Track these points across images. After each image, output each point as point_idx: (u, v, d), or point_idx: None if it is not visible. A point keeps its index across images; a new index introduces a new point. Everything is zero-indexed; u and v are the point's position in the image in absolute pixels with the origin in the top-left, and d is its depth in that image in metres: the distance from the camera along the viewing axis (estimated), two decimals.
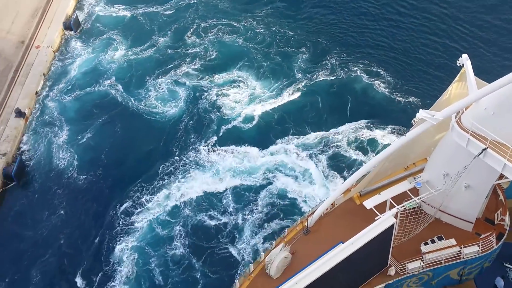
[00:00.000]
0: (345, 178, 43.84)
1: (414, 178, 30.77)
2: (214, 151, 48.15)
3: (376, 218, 28.13)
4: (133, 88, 53.93)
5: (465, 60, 29.78)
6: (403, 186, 30.62)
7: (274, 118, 50.80)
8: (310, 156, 46.82)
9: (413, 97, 50.82)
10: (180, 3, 62.39)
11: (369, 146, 47.35)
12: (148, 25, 60.36)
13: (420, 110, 26.97)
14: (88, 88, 53.87)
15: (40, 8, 61.16)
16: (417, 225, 30.43)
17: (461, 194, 29.84)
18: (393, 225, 28.20)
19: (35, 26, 59.26)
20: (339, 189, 31.64)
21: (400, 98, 51.03)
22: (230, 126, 50.18)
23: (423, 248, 31.14)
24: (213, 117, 50.93)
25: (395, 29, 58.04)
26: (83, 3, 63.40)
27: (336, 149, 47.38)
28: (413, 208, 29.61)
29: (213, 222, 42.93)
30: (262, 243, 41.12)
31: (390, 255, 30.44)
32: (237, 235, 41.99)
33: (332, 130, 49.05)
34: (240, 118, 50.81)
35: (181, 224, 42.86)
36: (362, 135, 48.43)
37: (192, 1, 62.49)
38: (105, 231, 42.88)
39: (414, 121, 27.57)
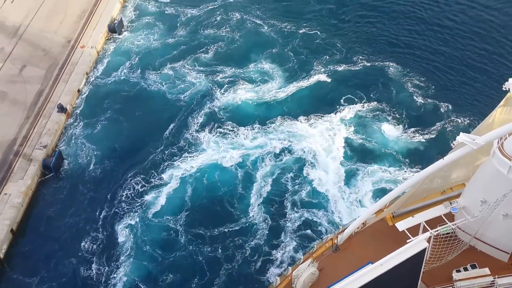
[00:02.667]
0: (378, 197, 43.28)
1: (450, 203, 29.85)
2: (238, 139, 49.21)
3: (408, 241, 27.39)
4: (170, 81, 55.36)
5: (511, 84, 28.91)
6: (438, 211, 29.74)
7: (302, 109, 51.45)
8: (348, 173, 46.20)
9: (453, 114, 49.91)
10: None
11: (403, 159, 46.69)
12: (186, 24, 61.99)
13: (461, 133, 26.20)
14: (126, 87, 55.35)
15: (87, 10, 63.03)
16: (450, 251, 29.44)
17: (498, 223, 28.80)
18: (425, 249, 27.34)
19: (81, 27, 61.05)
20: (372, 208, 31.01)
21: (440, 114, 50.24)
22: (253, 115, 51.35)
23: (455, 276, 30.09)
24: (231, 106, 52.23)
25: (439, 39, 57.51)
26: (128, 7, 65.08)
27: (372, 161, 46.62)
28: (447, 233, 28.67)
29: (231, 223, 43.13)
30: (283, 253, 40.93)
31: (420, 280, 29.56)
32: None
33: (370, 138, 48.59)
34: (264, 108, 51.78)
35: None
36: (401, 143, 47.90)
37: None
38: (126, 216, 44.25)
39: (453, 144, 26.84)
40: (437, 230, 28.14)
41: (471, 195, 29.36)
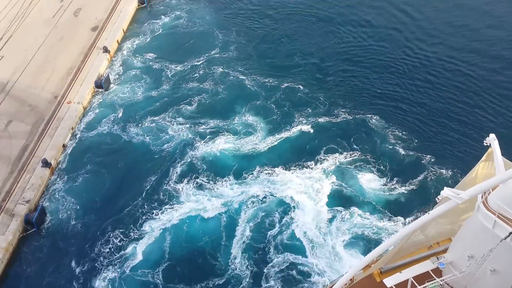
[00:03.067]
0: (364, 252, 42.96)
1: (437, 258, 29.63)
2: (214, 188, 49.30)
3: None
4: (152, 133, 55.93)
5: (492, 140, 29.37)
6: (426, 266, 29.50)
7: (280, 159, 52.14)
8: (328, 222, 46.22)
9: (435, 166, 50.45)
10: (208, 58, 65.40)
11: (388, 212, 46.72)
12: (171, 78, 63.13)
13: (445, 188, 26.35)
14: (111, 141, 55.54)
15: (75, 67, 63.75)
16: None
17: (486, 278, 28.48)
18: None
19: (68, 83, 61.54)
20: (359, 264, 30.63)
21: (422, 165, 50.71)
22: (235, 166, 51.81)
23: None
24: (212, 157, 52.70)
25: (420, 92, 58.66)
26: (115, 64, 66.09)
27: (357, 215, 46.60)
28: None
29: (213, 275, 42.65)
30: None
31: None
32: None
33: (351, 188, 48.91)
34: (246, 159, 52.33)
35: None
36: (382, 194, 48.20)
37: (216, 59, 64.69)
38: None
39: (438, 198, 26.91)
40: (425, 286, 27.81)
41: (458, 250, 29.20)
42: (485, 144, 29.82)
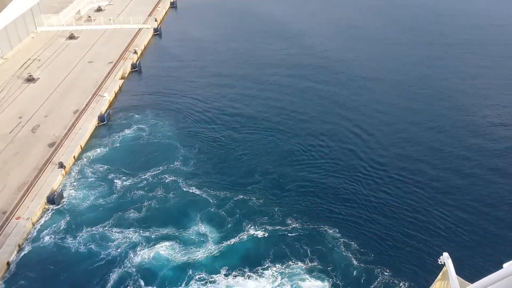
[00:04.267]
0: None
1: None
2: None
3: None
4: (96, 243, 54.13)
5: (446, 258, 29.46)
6: None
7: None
8: None
9: (390, 281, 49.80)
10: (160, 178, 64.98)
11: None
12: (122, 188, 62.55)
13: None
14: (57, 256, 53.48)
15: (28, 182, 62.37)
16: None
17: None
18: None
19: (19, 198, 59.75)
20: None
21: (377, 279, 50.04)
22: (180, 275, 50.54)
23: None
24: (154, 266, 51.43)
25: (375, 208, 59.08)
26: (69, 178, 65.18)
27: None
28: None
29: None
30: None
31: None
32: None
33: None
34: (191, 266, 51.01)
35: None
36: None
37: (168, 179, 64.75)
38: None
39: None
40: None
41: None
42: (439, 263, 29.91)
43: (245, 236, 55.61)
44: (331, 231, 56.45)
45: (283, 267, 51.44)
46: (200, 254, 53.36)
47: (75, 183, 64.48)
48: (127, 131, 75.49)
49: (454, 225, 57.81)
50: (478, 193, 62.85)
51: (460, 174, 66.34)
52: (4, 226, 55.94)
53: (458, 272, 28.83)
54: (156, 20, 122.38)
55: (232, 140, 74.31)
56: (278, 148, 72.36)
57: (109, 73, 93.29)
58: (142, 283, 50.22)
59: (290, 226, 57.11)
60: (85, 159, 69.05)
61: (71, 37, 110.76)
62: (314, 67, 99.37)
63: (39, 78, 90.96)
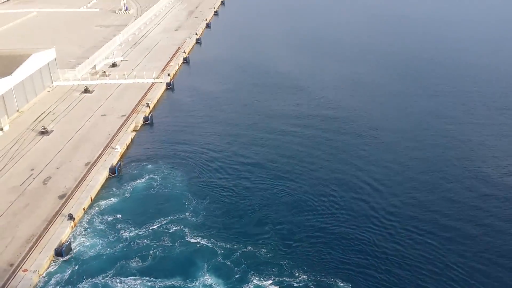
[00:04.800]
0: None
1: None
2: None
3: None
4: None
5: None
6: None
7: None
8: None
9: None
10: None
11: None
12: (130, 239, 62.52)
13: None
14: None
15: (36, 235, 62.18)
16: None
17: None
18: None
19: (27, 251, 59.38)
20: None
21: None
22: None
23: None
24: None
25: (388, 260, 57.66)
26: (78, 230, 64.92)
27: None
28: None
29: None
30: None
31: None
32: None
33: None
34: None
35: None
36: None
37: (173, 228, 64.33)
38: None
39: None
40: None
41: None
42: None
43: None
44: (342, 284, 54.94)
45: None
46: None
47: (83, 234, 64.13)
48: (138, 182, 75.76)
49: (468, 277, 56.04)
50: (492, 244, 61.26)
51: (472, 223, 64.95)
52: (11, 279, 55.29)
53: None
54: (169, 75, 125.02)
55: (243, 189, 73.94)
56: (289, 197, 71.74)
57: (121, 126, 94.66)
58: None
59: (299, 279, 55.64)
60: (94, 210, 69.01)
61: (86, 91, 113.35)
62: (323, 117, 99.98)
63: (52, 131, 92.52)
